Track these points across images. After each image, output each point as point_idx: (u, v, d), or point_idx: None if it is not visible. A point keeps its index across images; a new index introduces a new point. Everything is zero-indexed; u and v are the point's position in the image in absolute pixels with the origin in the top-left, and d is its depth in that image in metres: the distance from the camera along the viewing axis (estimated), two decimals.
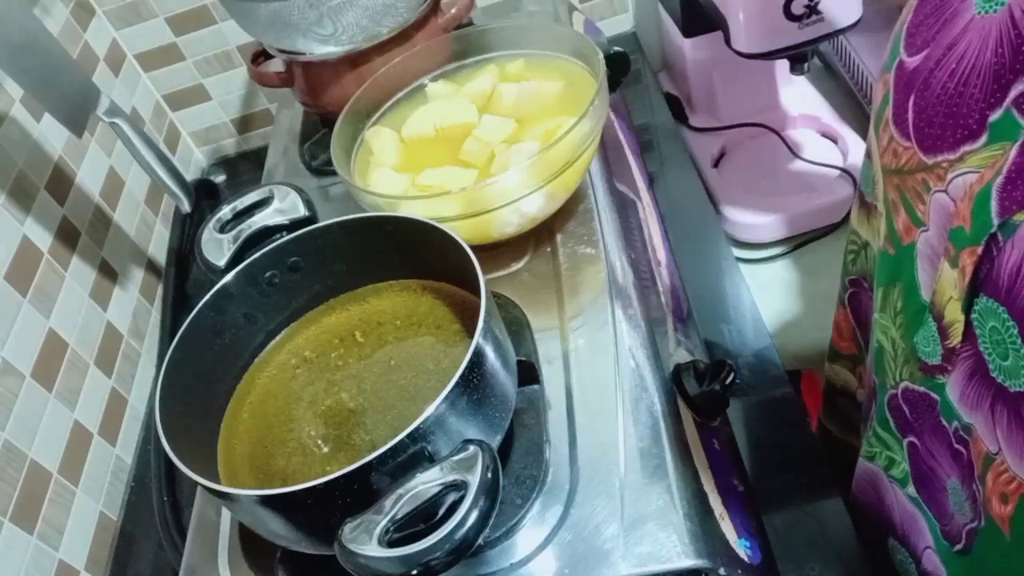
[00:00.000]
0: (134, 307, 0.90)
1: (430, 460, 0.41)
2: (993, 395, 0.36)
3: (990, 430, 0.37)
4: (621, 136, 0.83)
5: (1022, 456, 0.35)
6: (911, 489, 0.49)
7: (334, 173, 0.65)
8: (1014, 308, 0.33)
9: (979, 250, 0.34)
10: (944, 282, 0.38)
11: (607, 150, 0.75)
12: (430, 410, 0.40)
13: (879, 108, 0.44)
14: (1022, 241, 0.32)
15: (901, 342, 0.45)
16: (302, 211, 0.57)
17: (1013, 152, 0.33)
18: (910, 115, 0.40)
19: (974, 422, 0.39)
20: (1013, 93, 0.35)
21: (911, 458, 0.47)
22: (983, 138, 0.36)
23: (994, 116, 0.36)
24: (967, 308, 0.36)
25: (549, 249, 0.64)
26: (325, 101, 0.80)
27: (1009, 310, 0.33)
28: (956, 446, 0.42)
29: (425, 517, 0.39)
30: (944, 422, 0.42)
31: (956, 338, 0.38)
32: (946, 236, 0.38)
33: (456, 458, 0.39)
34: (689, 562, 0.44)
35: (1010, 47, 0.35)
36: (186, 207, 0.81)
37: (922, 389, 0.44)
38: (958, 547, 0.44)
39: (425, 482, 0.39)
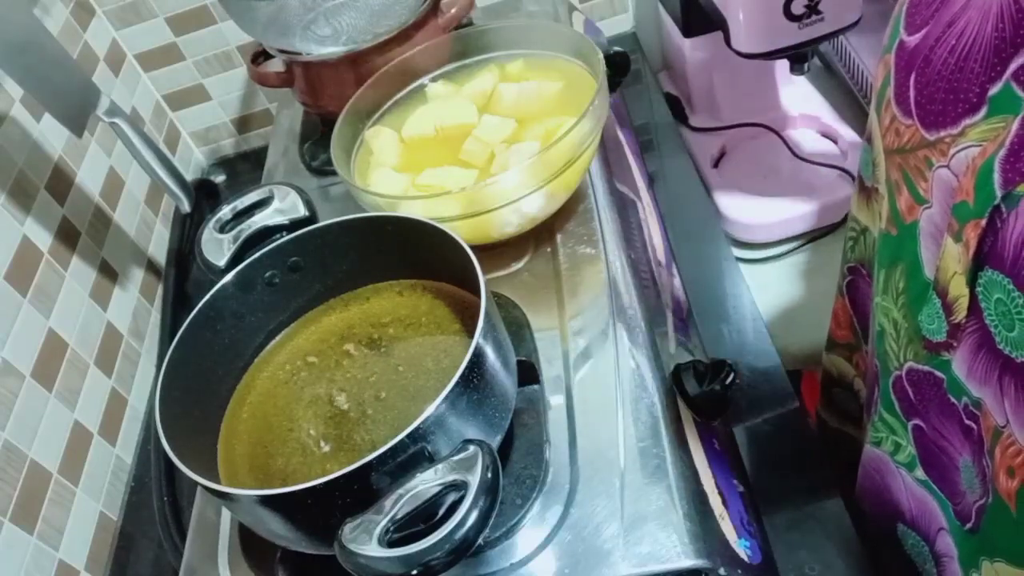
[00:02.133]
0: (134, 307, 0.90)
1: (430, 460, 0.41)
2: (1001, 367, 0.36)
3: (998, 403, 0.37)
4: (621, 136, 0.82)
5: None
6: (920, 472, 0.49)
7: (334, 173, 0.65)
8: (1019, 278, 0.33)
9: (983, 223, 0.35)
10: (948, 257, 0.38)
11: (607, 150, 0.75)
12: (430, 410, 0.40)
13: (880, 89, 0.44)
14: None
15: (904, 322, 0.45)
16: (302, 211, 0.57)
17: (1015, 125, 0.33)
18: (911, 93, 0.41)
19: (983, 396, 0.39)
20: (1013, 66, 0.35)
21: (917, 441, 0.48)
22: (983, 111, 0.37)
23: (994, 90, 0.36)
24: (972, 282, 0.36)
25: (549, 249, 0.64)
26: (325, 101, 0.80)
27: (1014, 280, 0.34)
28: (967, 422, 0.42)
29: (425, 517, 0.39)
30: (952, 399, 0.42)
31: (961, 313, 0.38)
32: (949, 211, 0.38)
33: (456, 458, 0.39)
34: (689, 562, 0.44)
35: (1011, 22, 0.35)
36: (186, 207, 0.81)
37: (927, 368, 0.44)
38: (968, 526, 0.44)
39: (425, 482, 0.39)
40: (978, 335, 0.37)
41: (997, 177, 0.34)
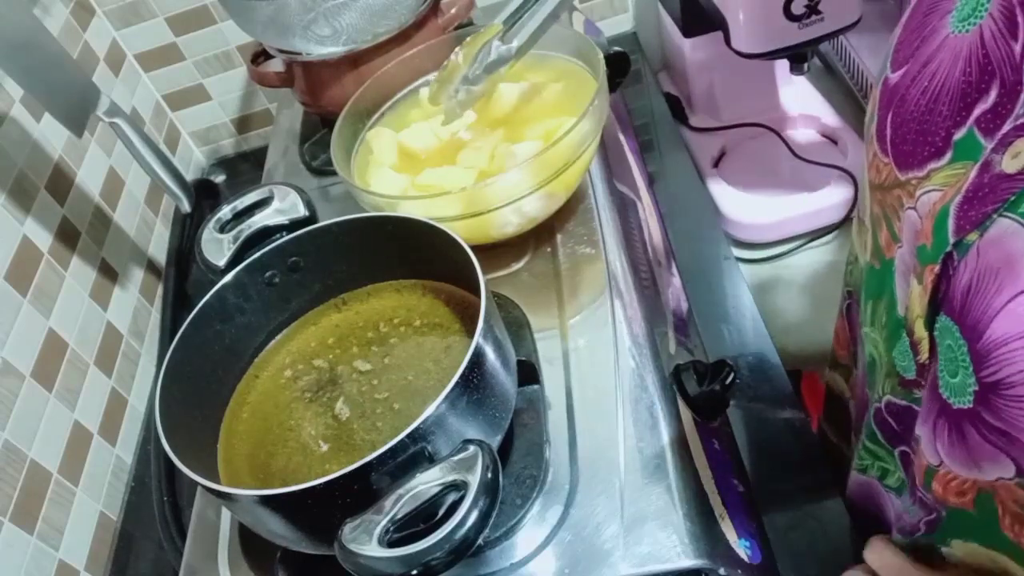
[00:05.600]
0: (134, 307, 0.90)
1: (430, 460, 0.41)
2: (938, 410, 0.37)
3: (931, 444, 0.38)
4: (621, 136, 0.83)
5: (967, 466, 0.36)
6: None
7: (334, 173, 0.65)
8: (965, 326, 0.33)
9: (937, 268, 0.35)
10: (913, 299, 0.38)
11: (607, 150, 0.75)
12: (430, 410, 0.40)
13: (867, 123, 0.44)
14: (973, 261, 0.33)
15: (885, 356, 0.46)
16: (302, 211, 0.57)
17: (973, 172, 0.34)
18: (888, 131, 0.41)
19: (921, 434, 0.39)
20: (976, 112, 0.35)
21: (906, 467, 0.48)
22: (947, 156, 0.36)
23: (958, 135, 0.36)
24: (930, 325, 0.37)
25: (549, 249, 0.64)
26: (325, 101, 0.80)
27: (960, 328, 0.34)
28: None
29: (425, 517, 0.39)
30: (929, 435, 0.42)
31: (924, 354, 0.38)
32: (914, 253, 0.38)
33: (456, 458, 0.39)
34: (689, 562, 0.44)
35: (977, 66, 0.35)
36: (186, 207, 0.81)
37: (904, 403, 0.44)
38: (919, 534, 0.45)
39: (425, 482, 0.39)
40: (935, 377, 0.38)
41: (951, 224, 0.34)
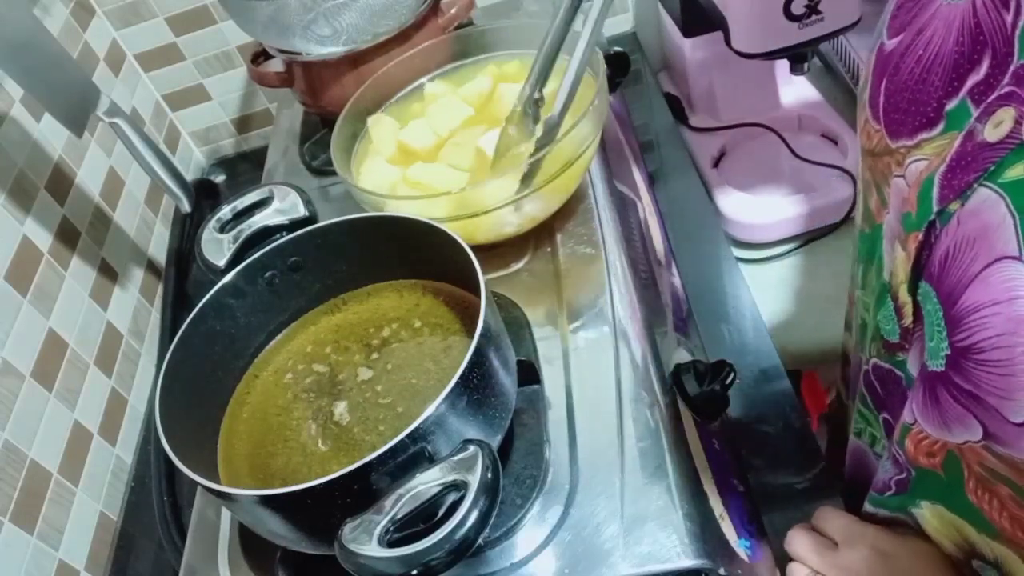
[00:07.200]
0: (134, 307, 0.90)
1: (430, 460, 0.41)
2: (918, 372, 0.38)
3: (909, 402, 0.39)
4: (621, 136, 0.83)
5: (938, 427, 0.36)
6: None
7: (334, 173, 0.65)
8: (941, 293, 0.34)
9: (920, 236, 0.36)
10: (897, 264, 0.39)
11: (607, 150, 0.75)
12: (430, 410, 0.40)
13: (860, 88, 0.45)
14: (953, 229, 0.33)
15: (872, 319, 0.46)
16: (302, 211, 0.57)
17: (957, 141, 0.34)
18: (881, 98, 0.41)
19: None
20: (969, 83, 0.35)
21: (888, 434, 0.48)
22: (940, 126, 0.37)
23: (951, 105, 0.36)
24: (913, 291, 0.37)
25: (549, 249, 0.64)
26: (325, 101, 0.80)
27: (937, 294, 0.34)
28: None
29: (425, 517, 0.39)
30: (910, 395, 0.43)
31: (908, 318, 0.39)
32: (900, 220, 0.39)
33: (456, 458, 0.39)
34: (689, 562, 0.44)
35: (970, 37, 0.35)
36: (186, 207, 0.81)
37: (887, 366, 0.45)
38: (889, 493, 0.46)
39: (425, 482, 0.39)
40: (922, 341, 0.38)
41: (936, 193, 0.35)
